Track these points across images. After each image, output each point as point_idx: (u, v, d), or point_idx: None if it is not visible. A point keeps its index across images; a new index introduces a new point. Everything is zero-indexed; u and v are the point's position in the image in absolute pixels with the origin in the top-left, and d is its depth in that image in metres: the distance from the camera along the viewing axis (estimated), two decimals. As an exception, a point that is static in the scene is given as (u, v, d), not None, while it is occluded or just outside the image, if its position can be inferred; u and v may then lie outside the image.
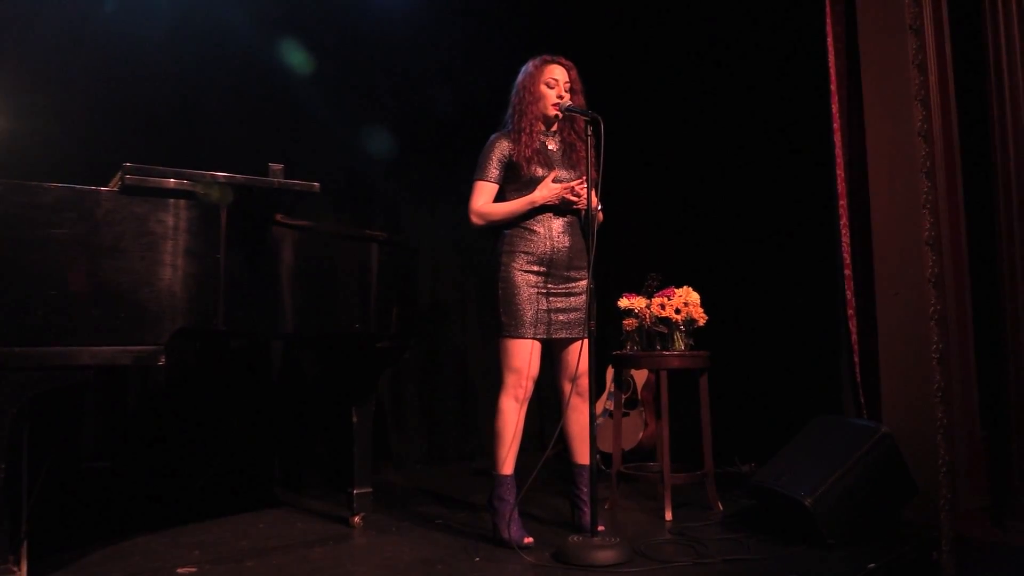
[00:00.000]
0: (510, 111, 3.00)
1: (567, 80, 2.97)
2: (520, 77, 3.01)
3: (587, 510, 2.81)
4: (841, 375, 3.54)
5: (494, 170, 2.96)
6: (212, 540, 2.93)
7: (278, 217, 2.63)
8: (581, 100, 2.99)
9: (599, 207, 2.86)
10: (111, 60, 3.77)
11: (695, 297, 3.46)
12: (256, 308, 2.56)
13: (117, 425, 3.83)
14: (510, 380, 2.89)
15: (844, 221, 3.45)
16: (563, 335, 2.94)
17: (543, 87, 2.96)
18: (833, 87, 3.48)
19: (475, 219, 2.97)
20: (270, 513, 3.39)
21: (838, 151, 3.47)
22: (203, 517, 3.24)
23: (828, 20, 3.50)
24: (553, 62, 2.99)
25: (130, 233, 2.22)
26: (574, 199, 2.90)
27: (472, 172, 2.99)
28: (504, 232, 2.97)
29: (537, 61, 3.00)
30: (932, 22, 3.17)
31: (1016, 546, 2.82)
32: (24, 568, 2.30)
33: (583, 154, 2.91)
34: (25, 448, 2.31)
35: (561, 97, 2.94)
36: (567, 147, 3.02)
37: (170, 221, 2.29)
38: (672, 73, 5.02)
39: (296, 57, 4.28)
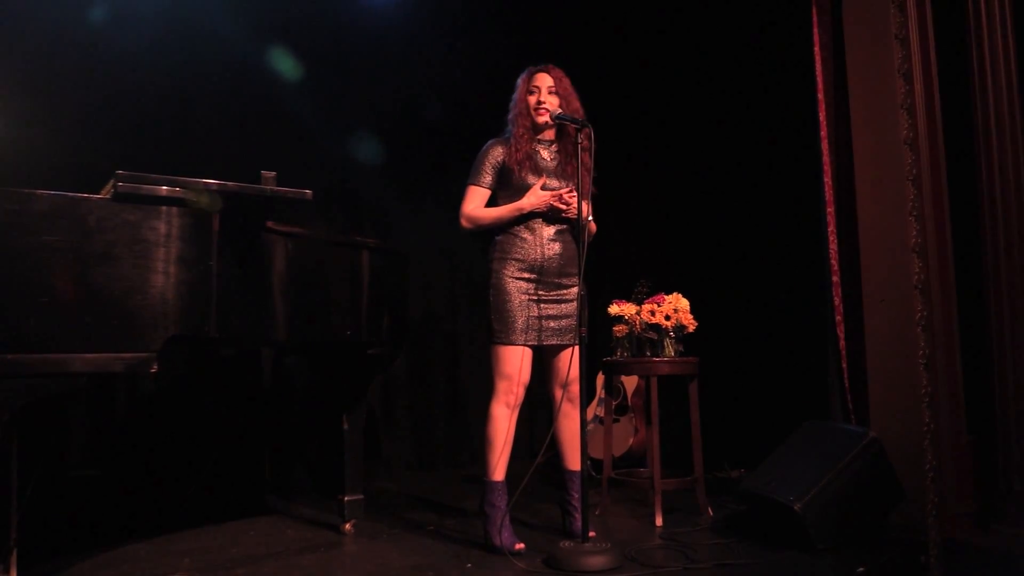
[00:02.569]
0: (508, 119, 3.05)
1: (550, 85, 2.99)
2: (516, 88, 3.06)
3: (578, 516, 2.82)
4: (829, 381, 3.56)
5: (487, 175, 2.98)
6: (202, 548, 2.92)
7: (270, 224, 2.64)
8: (576, 104, 3.00)
9: (590, 217, 2.87)
10: (103, 67, 3.77)
11: (685, 303, 3.48)
12: (248, 315, 2.56)
13: (107, 432, 3.81)
14: (501, 386, 2.90)
15: (832, 228, 3.48)
16: (554, 342, 2.95)
17: (527, 95, 3.00)
18: (820, 95, 3.52)
19: (464, 223, 3.00)
20: (261, 520, 3.39)
21: (825, 159, 3.50)
22: (193, 525, 3.24)
23: (815, 29, 3.54)
24: (537, 71, 3.03)
25: (123, 240, 2.22)
26: (562, 207, 2.91)
27: (463, 178, 3.02)
28: (496, 239, 2.99)
29: (526, 73, 3.05)
30: (918, 31, 3.20)
31: (1002, 550, 2.85)
32: (14, 576, 2.30)
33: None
34: (15, 456, 2.30)
35: (541, 102, 2.97)
36: (562, 157, 3.04)
37: (162, 228, 2.29)
38: (662, 82, 5.05)
39: (286, 64, 4.30)
